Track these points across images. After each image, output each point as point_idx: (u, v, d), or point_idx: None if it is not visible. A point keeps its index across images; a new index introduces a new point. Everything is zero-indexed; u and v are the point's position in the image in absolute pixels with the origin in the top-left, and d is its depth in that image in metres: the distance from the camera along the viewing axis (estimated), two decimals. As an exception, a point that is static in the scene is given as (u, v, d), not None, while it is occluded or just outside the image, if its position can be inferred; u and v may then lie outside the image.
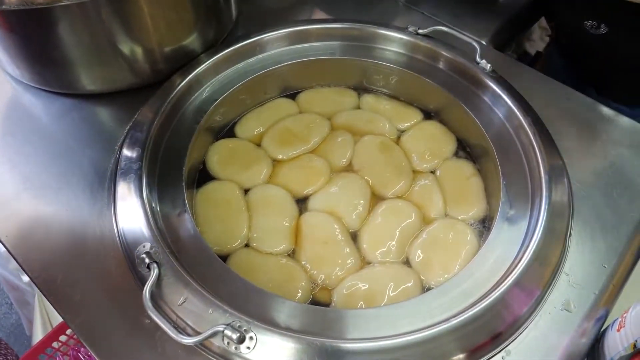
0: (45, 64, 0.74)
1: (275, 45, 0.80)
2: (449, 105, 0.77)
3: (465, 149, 0.77)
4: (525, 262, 0.54)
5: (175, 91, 0.72)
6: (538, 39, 1.56)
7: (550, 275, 0.56)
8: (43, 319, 0.87)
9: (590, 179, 0.67)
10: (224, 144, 0.76)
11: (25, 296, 0.89)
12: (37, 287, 0.60)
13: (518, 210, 0.62)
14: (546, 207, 0.60)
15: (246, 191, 0.71)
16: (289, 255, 0.65)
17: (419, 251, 0.64)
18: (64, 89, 0.77)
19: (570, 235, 0.61)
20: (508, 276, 0.54)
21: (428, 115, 0.81)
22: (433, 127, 0.79)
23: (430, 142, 0.77)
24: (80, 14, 0.65)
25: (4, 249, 0.64)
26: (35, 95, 0.78)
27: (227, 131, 0.79)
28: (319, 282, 0.61)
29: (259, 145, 0.77)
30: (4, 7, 0.55)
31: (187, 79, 0.73)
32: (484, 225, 0.68)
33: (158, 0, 0.69)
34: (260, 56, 0.79)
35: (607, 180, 0.67)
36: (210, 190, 0.71)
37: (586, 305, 0.56)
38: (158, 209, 0.62)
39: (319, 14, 0.93)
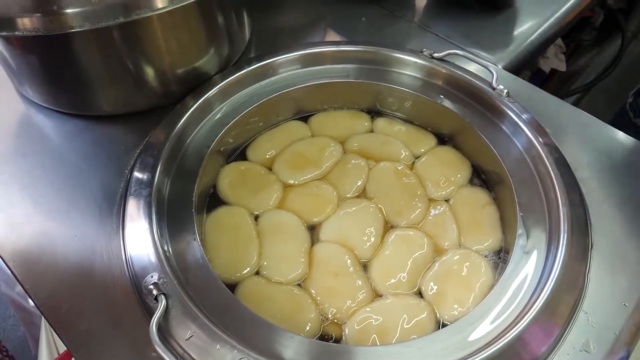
0: (58, 85, 0.74)
1: (288, 67, 0.79)
2: (464, 130, 0.76)
3: (480, 176, 0.76)
4: (544, 299, 0.53)
5: (187, 114, 0.71)
6: (553, 57, 1.55)
7: (569, 314, 0.54)
8: (49, 341, 0.86)
9: (609, 211, 0.65)
10: (235, 167, 0.76)
11: (32, 317, 0.88)
12: (43, 314, 0.59)
13: (535, 243, 0.61)
14: (564, 241, 0.58)
15: (257, 216, 0.70)
16: (299, 284, 0.64)
17: (432, 283, 0.62)
18: (76, 110, 0.77)
19: (589, 271, 0.59)
20: (526, 314, 0.52)
21: (442, 140, 0.80)
22: (448, 153, 0.78)
23: (445, 168, 0.75)
24: (94, 38, 0.65)
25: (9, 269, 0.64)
26: (47, 116, 0.78)
27: (239, 154, 0.78)
28: (330, 316, 0.60)
29: (270, 168, 0.76)
30: (17, 33, 0.54)
31: (199, 101, 0.73)
32: (499, 256, 0.66)
33: (172, 24, 0.68)
34: (273, 79, 0.79)
35: (626, 213, 0.65)
36: (220, 215, 0.70)
37: (606, 345, 0.54)
38: (167, 235, 0.61)
39: (332, 35, 0.92)
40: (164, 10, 0.57)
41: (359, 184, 0.74)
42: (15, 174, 0.71)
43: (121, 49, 0.68)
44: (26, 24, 0.56)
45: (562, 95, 1.63)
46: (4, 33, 0.55)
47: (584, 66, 1.79)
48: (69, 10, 0.54)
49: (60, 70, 0.72)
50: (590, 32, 1.70)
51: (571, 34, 1.63)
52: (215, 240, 0.66)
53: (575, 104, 1.76)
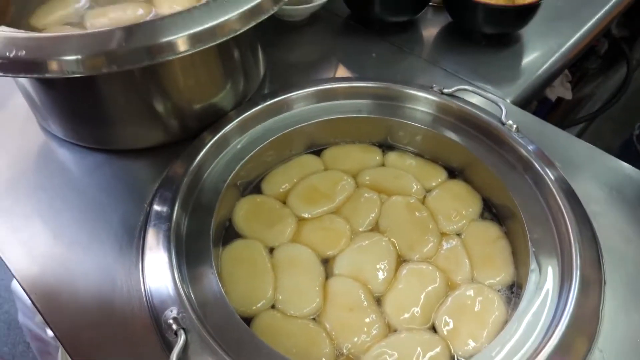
0: (80, 121, 0.76)
1: (302, 103, 0.82)
2: (474, 164, 0.77)
3: (490, 210, 0.77)
4: (558, 337, 0.53)
5: (204, 149, 0.73)
6: (559, 85, 1.57)
7: (584, 352, 0.55)
8: (65, 373, 0.87)
9: (621, 246, 0.66)
10: (250, 200, 0.77)
11: (48, 348, 0.89)
12: (64, 347, 0.60)
13: (548, 279, 0.62)
14: (577, 278, 0.59)
15: (272, 249, 0.72)
16: (314, 318, 0.65)
17: (446, 318, 0.63)
18: (97, 145, 0.79)
19: (603, 307, 0.59)
20: (540, 351, 0.53)
21: (452, 173, 0.81)
22: (458, 187, 0.79)
23: (456, 202, 0.77)
24: (117, 78, 0.67)
25: (30, 301, 0.65)
26: (68, 150, 0.80)
27: (254, 187, 0.79)
28: (345, 351, 0.60)
29: (284, 202, 0.77)
30: (46, 75, 0.57)
31: (216, 137, 0.75)
32: (512, 291, 0.67)
33: (191, 63, 0.71)
34: (287, 114, 0.81)
35: (638, 248, 0.66)
36: (236, 248, 0.71)
37: (621, 383, 0.54)
38: (186, 269, 0.62)
39: (343, 70, 0.95)
40: (186, 54, 0.59)
41: (371, 217, 0.75)
42: (37, 207, 0.73)
43: (142, 87, 0.71)
44: (55, 67, 0.58)
45: (569, 124, 1.65)
46: (35, 75, 0.58)
47: (590, 94, 1.81)
48: (97, 54, 0.57)
49: (83, 107, 0.74)
50: (596, 61, 1.72)
51: (576, 62, 1.65)
52: (232, 273, 0.68)
53: (582, 131, 1.78)
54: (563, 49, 1.01)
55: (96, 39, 0.58)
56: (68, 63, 0.58)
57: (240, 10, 0.61)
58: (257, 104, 0.79)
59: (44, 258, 0.67)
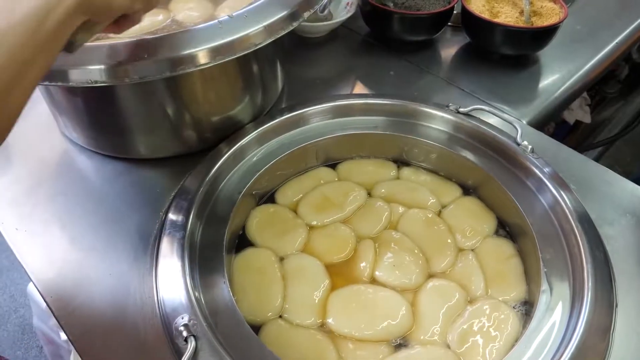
0: (101, 130, 0.78)
1: (319, 118, 0.83)
2: (489, 183, 0.77)
3: (504, 228, 0.77)
4: (567, 359, 0.53)
5: (221, 161, 0.74)
6: (577, 108, 1.56)
7: (593, 375, 0.54)
8: (76, 376, 0.88)
9: (634, 269, 0.65)
10: (264, 209, 0.78)
11: (60, 351, 0.90)
12: (77, 350, 0.61)
13: (559, 300, 0.61)
14: (589, 300, 0.58)
15: (282, 258, 0.72)
16: (322, 327, 0.65)
17: (460, 332, 0.63)
18: (116, 153, 0.81)
19: (614, 330, 0.59)
20: (549, 372, 0.53)
21: (466, 190, 0.82)
22: (473, 204, 0.79)
23: (470, 218, 0.77)
24: (138, 89, 0.69)
25: (45, 304, 0.66)
26: (88, 157, 0.82)
27: (268, 197, 0.80)
28: (354, 364, 0.61)
29: (297, 212, 0.78)
30: (70, 84, 0.59)
31: (233, 149, 0.76)
32: (524, 307, 0.67)
33: (211, 76, 0.72)
34: (303, 128, 0.82)
35: (652, 271, 0.66)
36: (248, 257, 0.72)
37: (632, 408, 0.53)
38: (198, 278, 0.63)
39: (361, 87, 0.96)
40: (206, 67, 0.60)
41: (378, 227, 0.76)
42: (56, 212, 0.75)
43: (162, 98, 0.73)
44: (78, 76, 0.60)
45: (588, 147, 1.64)
46: (59, 84, 0.60)
47: (609, 118, 1.79)
48: (120, 65, 0.59)
49: (104, 116, 0.76)
50: (615, 85, 1.71)
51: (595, 86, 1.65)
52: (242, 281, 0.68)
53: (601, 155, 1.76)
54: (581, 72, 1.01)
55: (119, 49, 0.59)
56: (91, 72, 0.59)
57: (260, 26, 0.63)
58: (275, 118, 0.81)
59: (61, 262, 0.68)
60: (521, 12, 0.98)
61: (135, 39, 0.60)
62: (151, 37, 0.60)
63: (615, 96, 1.73)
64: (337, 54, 1.03)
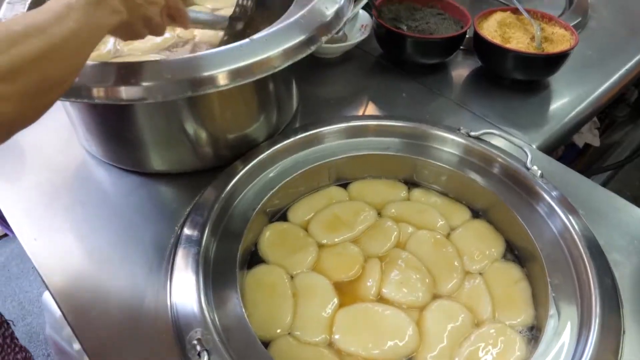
0: (120, 144, 0.81)
1: (332, 138, 0.84)
2: (498, 207, 0.78)
3: (513, 252, 0.78)
4: (574, 384, 0.54)
5: (236, 178, 0.76)
6: (587, 131, 1.57)
7: (600, 402, 0.55)
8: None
9: (641, 297, 0.66)
10: (276, 227, 0.79)
11: (72, 361, 0.92)
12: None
13: (566, 325, 0.62)
14: (596, 326, 0.59)
15: (292, 276, 0.73)
16: (330, 345, 0.66)
17: (466, 355, 0.64)
18: (134, 167, 0.83)
19: (621, 357, 0.59)
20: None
21: (476, 213, 0.83)
22: (482, 227, 0.80)
23: (479, 242, 0.78)
24: (158, 107, 0.71)
25: (59, 314, 0.68)
26: (107, 170, 0.84)
27: (281, 215, 0.82)
28: (361, 382, 0.62)
29: (307, 229, 0.80)
30: (95, 101, 0.61)
31: (248, 166, 0.78)
32: (532, 333, 0.67)
33: (229, 95, 0.74)
34: (317, 147, 0.84)
35: (660, 299, 0.66)
36: (259, 273, 0.73)
37: None
38: (212, 293, 0.64)
39: (373, 107, 0.98)
40: (225, 88, 0.62)
41: (387, 246, 0.77)
42: (74, 223, 0.77)
43: (181, 116, 0.75)
44: (102, 94, 0.62)
45: (597, 171, 1.64)
46: (85, 101, 0.62)
47: (618, 141, 1.80)
48: (144, 84, 0.61)
49: (123, 132, 0.79)
50: (625, 109, 1.72)
51: (605, 110, 1.66)
52: (254, 297, 0.70)
53: (610, 178, 1.77)
54: (591, 98, 1.03)
55: (143, 69, 0.62)
56: (114, 91, 0.62)
57: (280, 49, 0.65)
58: (289, 137, 0.82)
59: (78, 273, 0.70)
60: (532, 38, 1.00)
61: (157, 60, 0.62)
62: (174, 58, 0.63)
63: (625, 120, 1.74)
64: (351, 75, 1.05)
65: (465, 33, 1.01)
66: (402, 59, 1.06)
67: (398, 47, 1.02)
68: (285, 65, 0.66)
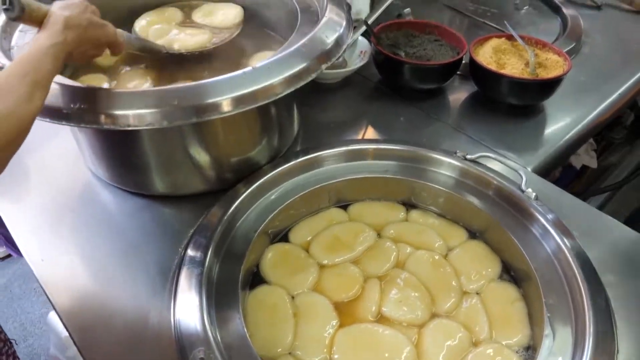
0: (125, 167, 0.83)
1: (332, 161, 0.87)
2: (494, 228, 0.80)
3: (509, 272, 0.79)
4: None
5: (238, 200, 0.78)
6: (584, 153, 1.59)
7: (593, 420, 0.56)
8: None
9: (635, 317, 0.68)
10: (278, 248, 0.81)
11: (76, 380, 0.93)
12: (95, 379, 0.64)
13: (561, 345, 0.63)
14: (590, 346, 0.61)
15: (294, 296, 0.75)
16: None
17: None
18: (138, 189, 0.85)
19: (615, 376, 0.61)
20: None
21: (472, 234, 0.84)
22: (479, 248, 0.82)
23: (476, 262, 0.79)
24: (164, 133, 0.74)
25: (65, 334, 0.69)
26: (112, 192, 0.87)
27: (282, 236, 0.84)
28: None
29: (308, 250, 0.81)
30: (105, 126, 0.63)
31: (250, 189, 0.80)
32: (528, 353, 0.69)
33: (232, 120, 0.77)
34: (317, 170, 0.86)
35: (652, 319, 0.68)
36: (261, 294, 0.75)
37: None
38: (214, 313, 0.66)
39: (372, 131, 1.01)
40: (229, 114, 0.65)
41: (386, 267, 0.79)
42: (79, 244, 0.79)
43: (185, 140, 0.77)
44: (108, 120, 0.65)
45: (594, 193, 1.66)
46: (93, 126, 0.64)
47: (616, 163, 1.82)
48: (151, 110, 0.63)
49: (128, 155, 0.81)
50: (621, 131, 1.75)
51: (602, 132, 1.68)
52: (256, 317, 0.71)
53: (608, 200, 1.78)
54: (585, 121, 1.05)
55: (151, 96, 0.64)
56: (122, 117, 0.64)
57: (282, 77, 0.67)
58: (290, 160, 0.85)
59: (83, 293, 0.72)
60: (527, 64, 1.03)
61: (165, 87, 0.65)
62: (180, 85, 0.65)
63: (622, 142, 1.76)
64: (350, 100, 1.08)
65: (461, 59, 1.04)
66: (401, 85, 1.09)
67: (396, 73, 1.05)
68: (287, 92, 0.68)
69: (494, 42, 1.08)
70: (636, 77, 1.17)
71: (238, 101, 0.66)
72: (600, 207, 1.66)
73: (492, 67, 1.01)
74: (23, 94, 0.55)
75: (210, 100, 0.65)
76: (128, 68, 0.93)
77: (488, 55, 1.05)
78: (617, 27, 1.35)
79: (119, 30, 0.75)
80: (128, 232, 0.80)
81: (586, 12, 1.40)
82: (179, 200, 0.84)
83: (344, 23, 0.78)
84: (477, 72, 1.05)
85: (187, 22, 0.99)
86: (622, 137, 1.75)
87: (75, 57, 0.67)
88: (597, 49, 1.26)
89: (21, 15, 0.62)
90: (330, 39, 0.75)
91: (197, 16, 1.00)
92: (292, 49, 0.71)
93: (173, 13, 1.01)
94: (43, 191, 0.87)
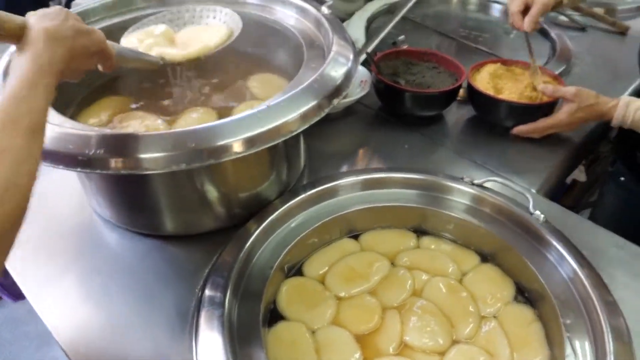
0: (135, 209, 0.83)
1: (342, 192, 0.87)
2: (505, 250, 0.81)
3: (522, 294, 0.80)
4: None
5: (253, 237, 0.78)
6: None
7: None
8: None
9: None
10: (293, 282, 0.81)
11: None
12: None
13: (584, 363, 0.65)
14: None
15: (314, 331, 0.74)
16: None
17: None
18: (148, 231, 0.85)
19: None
20: None
21: (484, 258, 0.85)
22: (491, 271, 0.83)
23: (490, 285, 0.80)
24: (175, 174, 0.73)
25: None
26: (120, 235, 0.86)
27: (296, 270, 0.83)
28: None
29: (324, 283, 0.81)
30: (122, 172, 0.63)
31: (262, 226, 0.80)
32: (549, 375, 0.69)
33: (245, 158, 0.76)
34: (327, 202, 0.86)
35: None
36: (281, 331, 0.74)
37: None
38: (239, 353, 0.65)
39: (377, 159, 1.02)
40: (247, 153, 0.65)
41: (403, 296, 0.79)
42: (92, 290, 0.77)
43: (195, 179, 0.77)
44: (119, 165, 0.64)
45: (585, 206, 1.69)
46: (109, 172, 0.64)
47: (603, 175, 1.86)
48: (169, 153, 0.63)
49: (137, 197, 0.81)
50: (607, 145, 1.79)
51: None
52: (278, 355, 0.70)
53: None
54: (582, 138, 1.08)
55: (169, 139, 0.64)
56: (136, 161, 0.64)
57: (297, 114, 0.68)
58: (300, 194, 0.85)
59: (99, 341, 0.71)
60: (525, 86, 1.04)
61: (181, 130, 0.65)
62: (196, 127, 0.65)
63: (607, 155, 1.81)
64: (353, 129, 1.09)
65: (460, 86, 1.06)
66: (402, 112, 1.10)
67: (397, 101, 1.07)
68: (302, 129, 0.69)
69: (490, 68, 1.11)
70: (627, 92, 1.21)
71: (253, 141, 0.66)
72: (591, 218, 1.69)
73: (490, 92, 1.04)
74: (19, 150, 0.47)
75: (226, 141, 0.65)
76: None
77: (485, 81, 1.07)
78: (602, 47, 1.40)
79: (109, 42, 0.67)
80: (140, 275, 0.79)
81: (572, 34, 1.44)
82: (189, 239, 0.84)
83: (351, 56, 0.80)
84: (476, 99, 1.07)
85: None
86: (607, 150, 1.79)
87: (65, 75, 0.58)
88: (587, 69, 1.30)
89: None
90: (340, 73, 0.76)
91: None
92: (304, 85, 0.72)
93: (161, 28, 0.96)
94: (47, 238, 0.86)
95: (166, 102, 0.94)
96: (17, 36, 0.55)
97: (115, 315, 0.74)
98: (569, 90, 0.96)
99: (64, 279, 0.79)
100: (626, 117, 0.91)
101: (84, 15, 0.97)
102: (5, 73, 0.78)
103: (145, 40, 0.84)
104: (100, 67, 0.67)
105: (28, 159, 0.48)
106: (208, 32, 0.90)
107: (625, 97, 0.91)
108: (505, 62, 1.12)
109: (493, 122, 1.08)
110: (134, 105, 0.94)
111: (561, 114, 0.97)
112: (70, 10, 0.93)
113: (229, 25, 0.89)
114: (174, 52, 0.84)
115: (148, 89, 0.96)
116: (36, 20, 0.56)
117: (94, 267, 0.81)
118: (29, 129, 0.48)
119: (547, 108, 1.02)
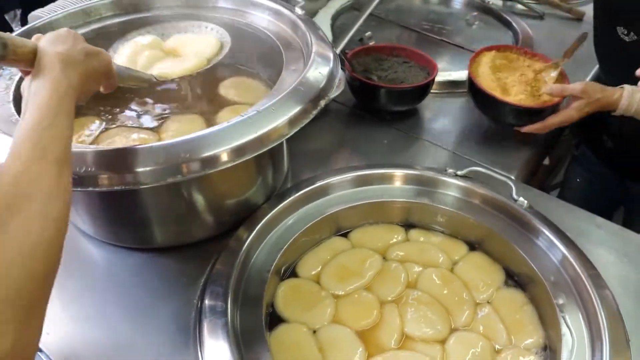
0: (123, 224, 0.81)
1: (328, 192, 0.88)
2: (492, 237, 0.84)
3: (512, 278, 0.83)
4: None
5: (246, 244, 0.77)
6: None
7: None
8: None
9: (635, 306, 0.73)
10: (289, 284, 0.81)
11: None
12: None
13: (581, 340, 0.68)
14: (608, 338, 0.66)
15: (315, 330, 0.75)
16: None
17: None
18: (136, 245, 0.83)
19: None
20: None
21: (471, 246, 0.88)
22: (480, 259, 0.85)
23: (480, 272, 0.83)
24: (160, 187, 0.71)
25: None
26: (108, 252, 0.83)
27: (290, 271, 0.83)
28: None
29: (319, 282, 0.82)
30: (115, 187, 0.62)
31: (254, 232, 0.79)
32: (546, 352, 0.72)
33: (233, 167, 0.76)
34: (315, 202, 0.87)
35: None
36: (283, 334, 0.74)
37: None
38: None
39: (358, 156, 1.03)
40: (229, 165, 0.65)
41: (399, 289, 0.81)
42: (86, 309, 0.75)
43: (183, 190, 0.76)
44: (115, 180, 0.63)
45: (551, 188, 1.76)
46: (104, 189, 0.62)
47: (563, 158, 1.93)
48: (160, 167, 0.62)
49: (125, 212, 0.79)
50: (566, 127, 1.86)
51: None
52: (282, 358, 0.70)
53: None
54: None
55: (165, 151, 0.63)
56: (135, 176, 0.63)
57: (286, 118, 0.68)
58: (287, 197, 0.85)
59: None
60: (527, 82, 1.05)
61: (173, 141, 0.64)
62: (187, 137, 0.65)
63: (568, 137, 1.88)
64: (331, 127, 1.10)
65: (434, 80, 1.08)
66: (376, 108, 1.12)
67: (372, 97, 1.08)
68: (293, 132, 0.69)
69: (486, 59, 1.10)
70: (588, 78, 1.26)
71: (245, 149, 0.66)
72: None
73: (495, 90, 1.02)
74: (52, 183, 0.45)
75: (220, 149, 0.64)
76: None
77: (489, 78, 1.05)
78: (561, 34, 1.44)
79: None
80: (134, 290, 0.77)
81: (530, 22, 1.49)
82: (179, 250, 0.82)
83: (332, 56, 0.80)
84: (480, 98, 1.05)
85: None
86: (567, 134, 1.86)
87: (80, 99, 0.57)
88: (548, 56, 1.34)
89: (4, 55, 0.52)
90: (323, 74, 0.76)
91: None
92: (290, 89, 0.72)
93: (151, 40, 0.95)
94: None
95: (143, 114, 0.92)
96: (30, 60, 0.54)
97: (114, 333, 0.72)
98: (576, 87, 0.97)
99: (57, 300, 0.76)
100: (630, 105, 0.94)
101: (48, 27, 0.94)
102: (15, 99, 0.75)
103: (139, 55, 0.86)
104: (101, 88, 0.66)
105: (60, 195, 0.46)
106: (197, 40, 0.90)
107: (628, 87, 0.93)
108: (498, 49, 1.12)
109: (495, 120, 1.09)
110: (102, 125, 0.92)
111: (571, 111, 0.98)
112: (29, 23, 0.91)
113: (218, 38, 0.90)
114: (169, 71, 0.85)
115: (116, 101, 0.94)
116: (47, 44, 0.55)
117: (86, 285, 0.79)
118: (56, 159, 0.47)
119: (552, 110, 1.02)
